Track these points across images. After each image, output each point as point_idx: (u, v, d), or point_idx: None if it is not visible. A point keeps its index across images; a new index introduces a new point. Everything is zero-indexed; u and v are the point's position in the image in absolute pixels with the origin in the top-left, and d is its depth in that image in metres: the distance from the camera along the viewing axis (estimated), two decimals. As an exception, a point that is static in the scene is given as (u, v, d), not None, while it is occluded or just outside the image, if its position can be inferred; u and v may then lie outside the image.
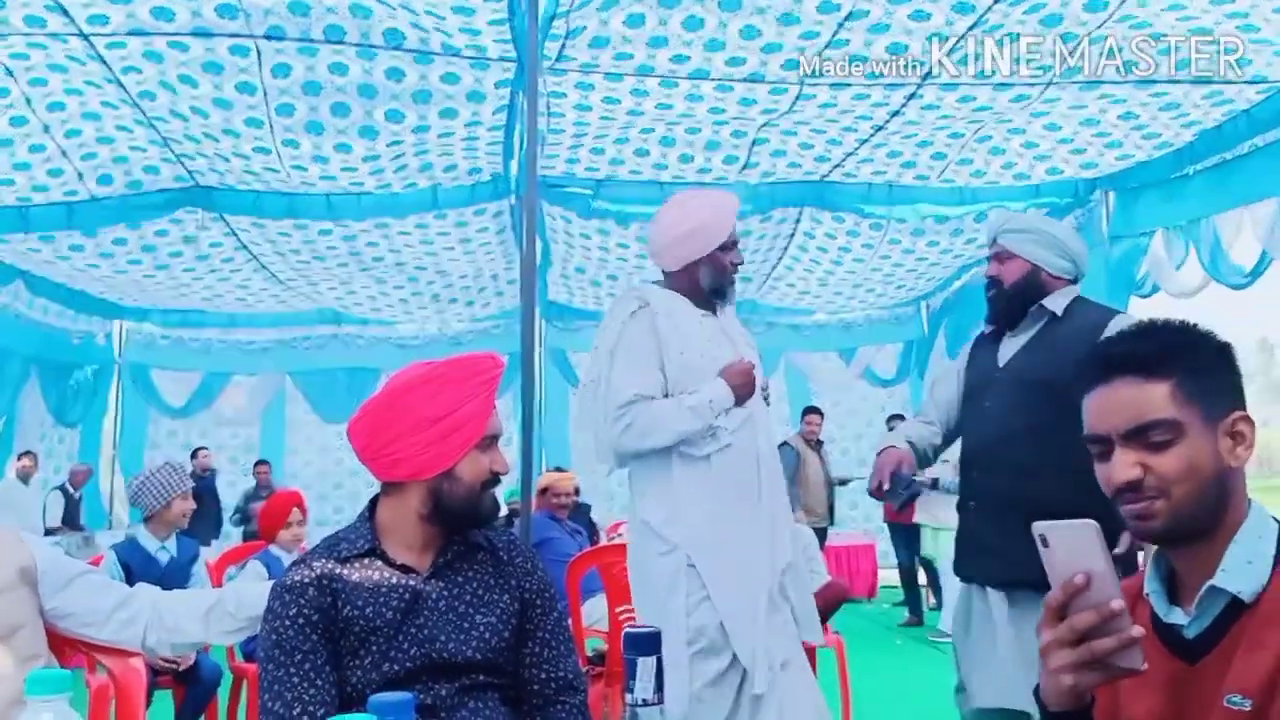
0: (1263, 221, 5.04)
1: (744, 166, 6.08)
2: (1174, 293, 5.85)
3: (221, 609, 2.11)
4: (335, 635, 1.59)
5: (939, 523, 7.21)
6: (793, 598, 2.63)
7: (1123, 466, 1.22)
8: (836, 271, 8.03)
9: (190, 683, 3.91)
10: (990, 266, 2.65)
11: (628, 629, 0.92)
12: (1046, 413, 2.35)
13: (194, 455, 9.32)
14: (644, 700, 0.88)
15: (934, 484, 7.24)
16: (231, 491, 9.57)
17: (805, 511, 7.27)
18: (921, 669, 6.26)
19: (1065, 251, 2.58)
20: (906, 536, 7.79)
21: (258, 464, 9.60)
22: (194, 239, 6.66)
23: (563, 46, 4.56)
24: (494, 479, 1.70)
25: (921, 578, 8.04)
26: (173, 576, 3.88)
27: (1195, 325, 1.31)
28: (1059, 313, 2.55)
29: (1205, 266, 5.46)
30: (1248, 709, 1.13)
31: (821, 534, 6.98)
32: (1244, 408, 1.25)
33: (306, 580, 1.61)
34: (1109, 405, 1.25)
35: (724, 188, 6.38)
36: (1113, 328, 2.29)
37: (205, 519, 8.37)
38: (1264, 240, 5.04)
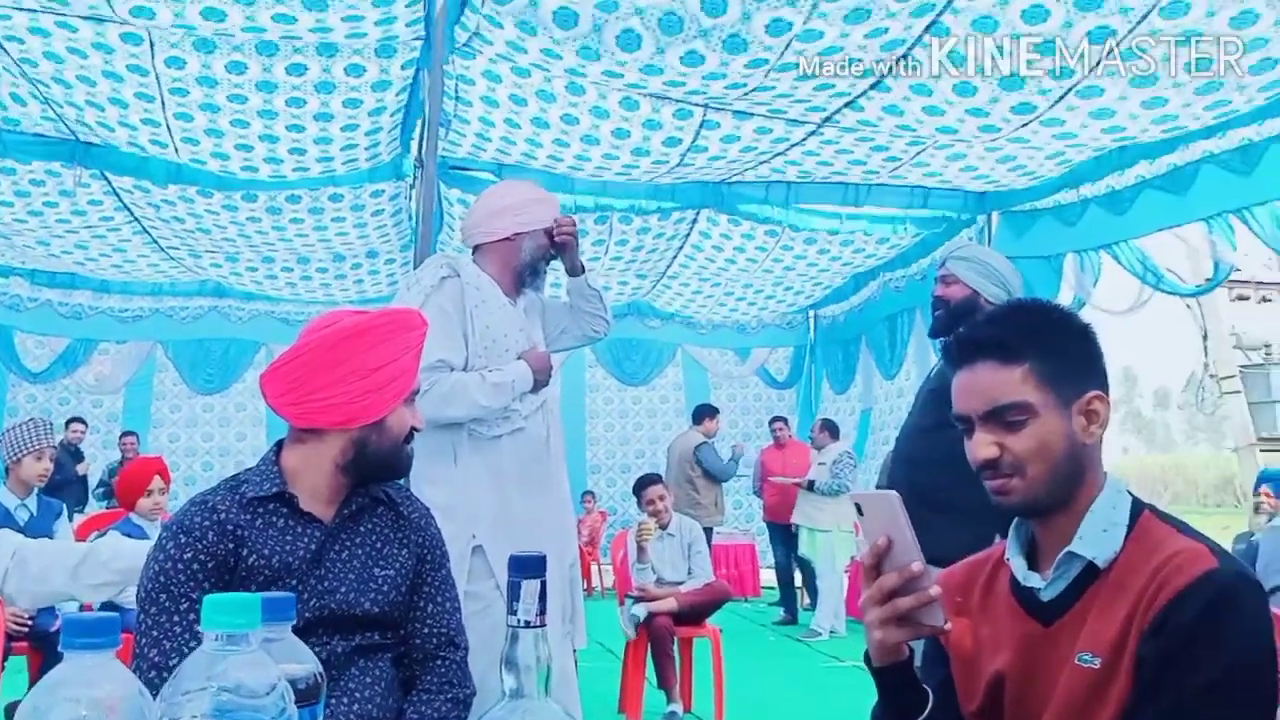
0: (1200, 242, 5.31)
1: (646, 173, 6.13)
2: (1111, 309, 6.12)
3: (94, 559, 2.00)
4: (233, 583, 1.55)
5: (815, 524, 7.39)
6: (573, 605, 2.64)
7: (981, 446, 1.30)
8: (729, 270, 8.17)
9: (47, 648, 3.70)
10: (938, 288, 3.00)
11: (513, 553, 0.92)
12: (940, 411, 2.58)
13: (68, 425, 8.90)
14: (527, 622, 0.89)
15: (810, 486, 7.43)
16: (93, 463, 9.15)
17: (696, 508, 7.36)
18: (791, 664, 6.42)
19: (1001, 281, 2.93)
20: (784, 537, 7.95)
21: (123, 435, 9.21)
22: (71, 194, 6.35)
23: (475, 31, 4.51)
24: (412, 434, 1.71)
25: (798, 578, 8.21)
26: (33, 535, 3.70)
27: (1056, 307, 1.39)
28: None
29: (1147, 282, 5.68)
30: (1096, 666, 1.22)
31: (708, 532, 7.07)
32: (1102, 386, 1.33)
33: (208, 524, 1.56)
34: (970, 387, 1.33)
35: (628, 182, 6.45)
36: None
37: (71, 491, 8.00)
38: (1210, 254, 5.29)
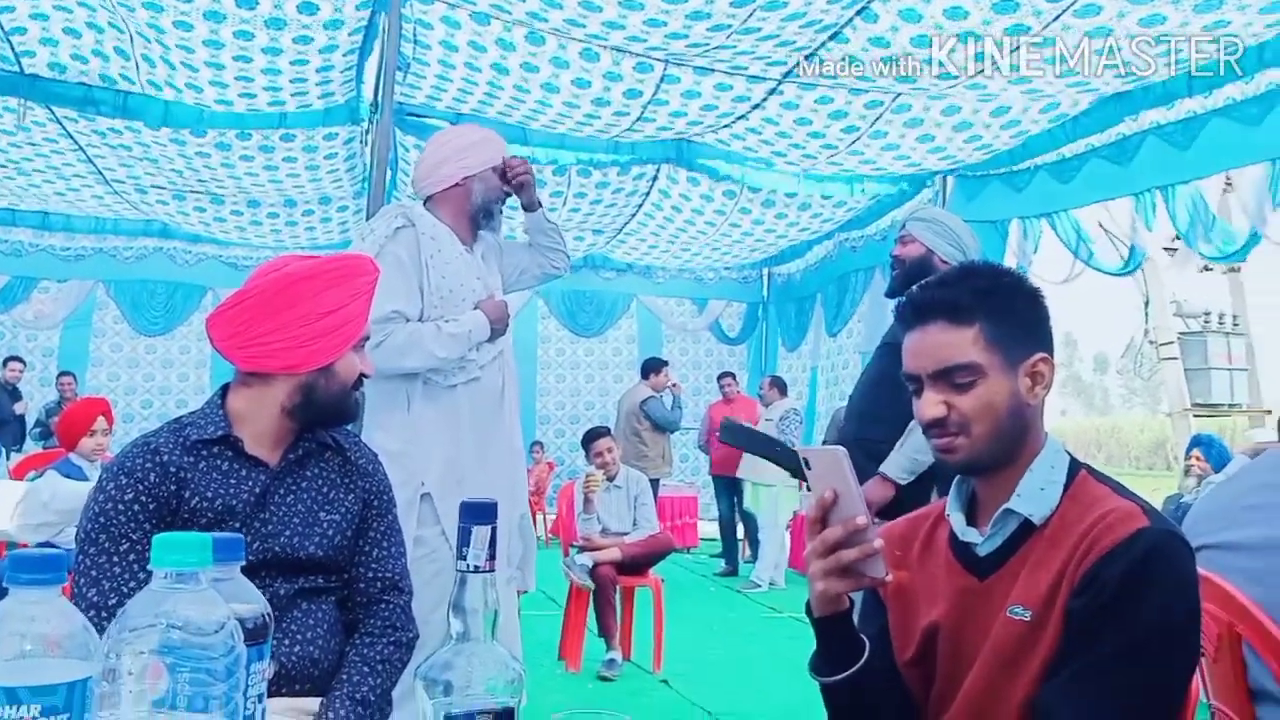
0: (1124, 219, 5.44)
1: (607, 124, 6.06)
2: (1048, 279, 6.20)
3: (34, 498, 1.98)
4: (175, 525, 1.54)
5: (760, 479, 7.47)
6: (521, 546, 2.68)
7: (929, 405, 1.33)
8: (688, 230, 8.17)
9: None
10: (896, 247, 3.08)
11: (464, 500, 0.93)
12: (888, 367, 2.66)
13: (6, 364, 8.68)
14: (476, 567, 0.90)
15: (759, 442, 7.50)
16: (30, 402, 8.96)
17: (644, 460, 7.40)
18: (730, 614, 6.53)
19: (957, 241, 3.00)
20: (728, 491, 8.04)
21: (61, 375, 9.01)
22: (27, 129, 6.15)
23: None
24: (361, 380, 1.71)
25: (740, 531, 8.32)
26: (-34, 476, 3.63)
27: (1008, 271, 1.42)
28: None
29: (1079, 256, 5.82)
30: (1027, 619, 1.26)
31: (655, 484, 7.13)
32: (1048, 349, 1.37)
33: (150, 465, 1.55)
34: (920, 348, 1.35)
35: (585, 140, 6.39)
36: None
37: (8, 430, 7.83)
38: (1128, 236, 5.44)
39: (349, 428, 1.80)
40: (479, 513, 0.92)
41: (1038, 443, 1.34)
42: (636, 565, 4.94)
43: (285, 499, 1.63)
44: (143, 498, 1.52)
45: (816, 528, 1.26)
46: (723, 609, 6.73)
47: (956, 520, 1.38)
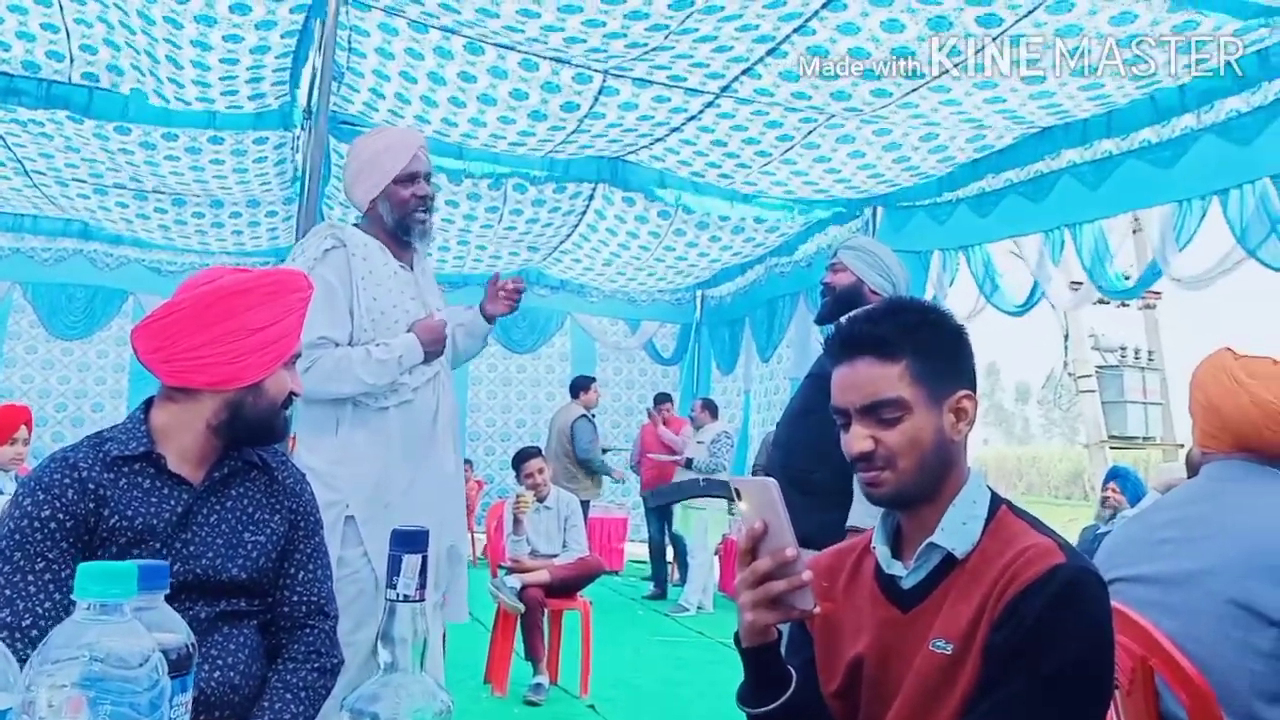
0: (1031, 255, 5.57)
1: (542, 140, 6.07)
2: (954, 314, 6.31)
3: None
4: (93, 544, 1.50)
5: (690, 502, 7.51)
6: (449, 573, 2.63)
7: (857, 439, 1.36)
8: (623, 255, 8.20)
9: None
10: (827, 275, 3.10)
11: (395, 527, 0.93)
12: (813, 398, 2.70)
13: None
14: (405, 596, 0.90)
15: (689, 464, 7.55)
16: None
17: (574, 481, 7.39)
18: (657, 638, 6.53)
19: (886, 272, 3.04)
20: (659, 512, 8.06)
21: (-28, 379, 8.70)
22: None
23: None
24: (290, 399, 1.69)
25: (670, 554, 8.33)
26: None
27: (934, 308, 1.46)
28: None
29: (983, 292, 5.95)
30: (949, 652, 1.29)
31: (585, 505, 7.11)
32: (971, 386, 1.41)
33: (68, 481, 1.50)
34: (849, 382, 1.38)
35: (521, 158, 6.38)
36: None
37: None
38: (1034, 272, 5.56)
39: (276, 446, 1.77)
40: (410, 541, 0.92)
41: (961, 478, 1.38)
42: (565, 588, 4.91)
43: (208, 519, 1.59)
44: (60, 515, 1.47)
45: (747, 559, 1.28)
46: (651, 633, 6.73)
47: (882, 553, 1.40)
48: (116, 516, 1.50)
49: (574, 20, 4.38)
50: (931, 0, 4.04)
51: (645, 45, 4.60)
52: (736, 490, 1.31)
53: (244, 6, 4.68)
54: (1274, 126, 4.17)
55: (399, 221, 2.55)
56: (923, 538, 1.35)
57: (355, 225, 2.62)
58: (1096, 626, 1.25)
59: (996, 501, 1.38)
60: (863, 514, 2.70)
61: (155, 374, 1.61)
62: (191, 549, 1.55)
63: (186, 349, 1.56)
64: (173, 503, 1.56)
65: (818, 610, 1.27)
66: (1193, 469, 3.03)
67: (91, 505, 1.50)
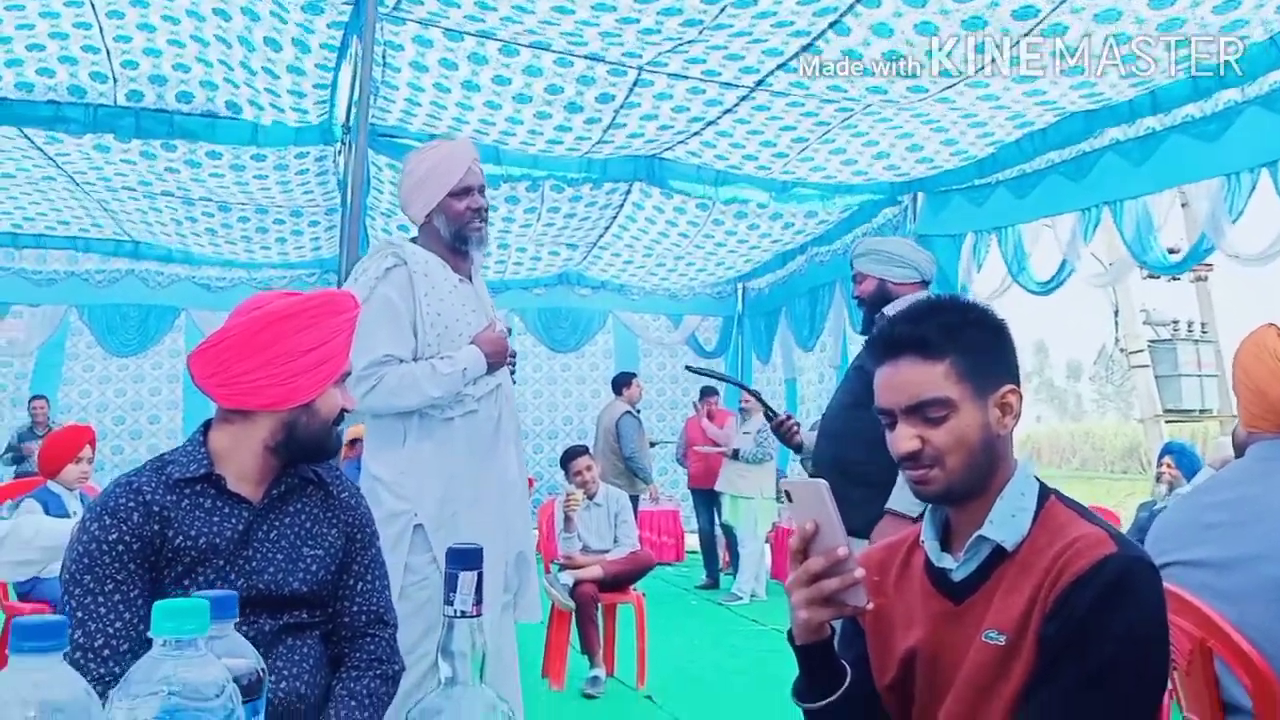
0: (1064, 233, 5.50)
1: (579, 137, 6.09)
2: (980, 293, 6.29)
3: (16, 537, 1.96)
4: (159, 564, 1.55)
5: (738, 491, 7.52)
6: (519, 582, 2.66)
7: (903, 439, 1.36)
8: (662, 243, 8.20)
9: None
10: (854, 288, 3.14)
11: (451, 545, 0.96)
12: (861, 390, 2.70)
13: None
14: (463, 612, 0.92)
15: (735, 454, 7.55)
16: (-1, 423, 8.89)
17: (622, 476, 7.42)
18: (712, 628, 6.55)
19: (905, 262, 3.03)
20: (707, 504, 8.07)
21: (33, 399, 8.90)
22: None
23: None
24: (342, 415, 1.73)
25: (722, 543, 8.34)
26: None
27: (974, 305, 1.46)
28: (889, 315, 2.93)
29: (1010, 271, 5.91)
30: (1001, 643, 1.30)
31: (635, 500, 7.14)
32: (1015, 380, 1.41)
33: (133, 505, 1.55)
34: (893, 383, 1.39)
35: (558, 159, 6.41)
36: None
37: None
38: (1064, 250, 5.50)
39: (331, 462, 1.81)
40: (465, 558, 0.94)
41: (1008, 471, 1.38)
42: (618, 582, 4.95)
43: (269, 536, 1.64)
44: (126, 538, 1.52)
45: (799, 558, 1.29)
46: (705, 623, 6.75)
47: (931, 547, 1.41)
48: (181, 537, 1.56)
49: (608, 18, 4.38)
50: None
51: (679, 39, 4.61)
52: (787, 492, 1.33)
53: (280, 19, 4.75)
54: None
55: (456, 233, 2.60)
56: (972, 530, 1.36)
57: (412, 240, 2.66)
58: (1150, 616, 1.25)
59: (1045, 492, 1.38)
60: (902, 498, 2.70)
61: (212, 397, 1.66)
62: (254, 565, 1.60)
63: (240, 373, 1.61)
64: (234, 521, 1.61)
65: (870, 606, 1.28)
66: (1239, 448, 2.98)
67: (156, 527, 1.55)
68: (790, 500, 1.31)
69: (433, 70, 5.20)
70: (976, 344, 1.38)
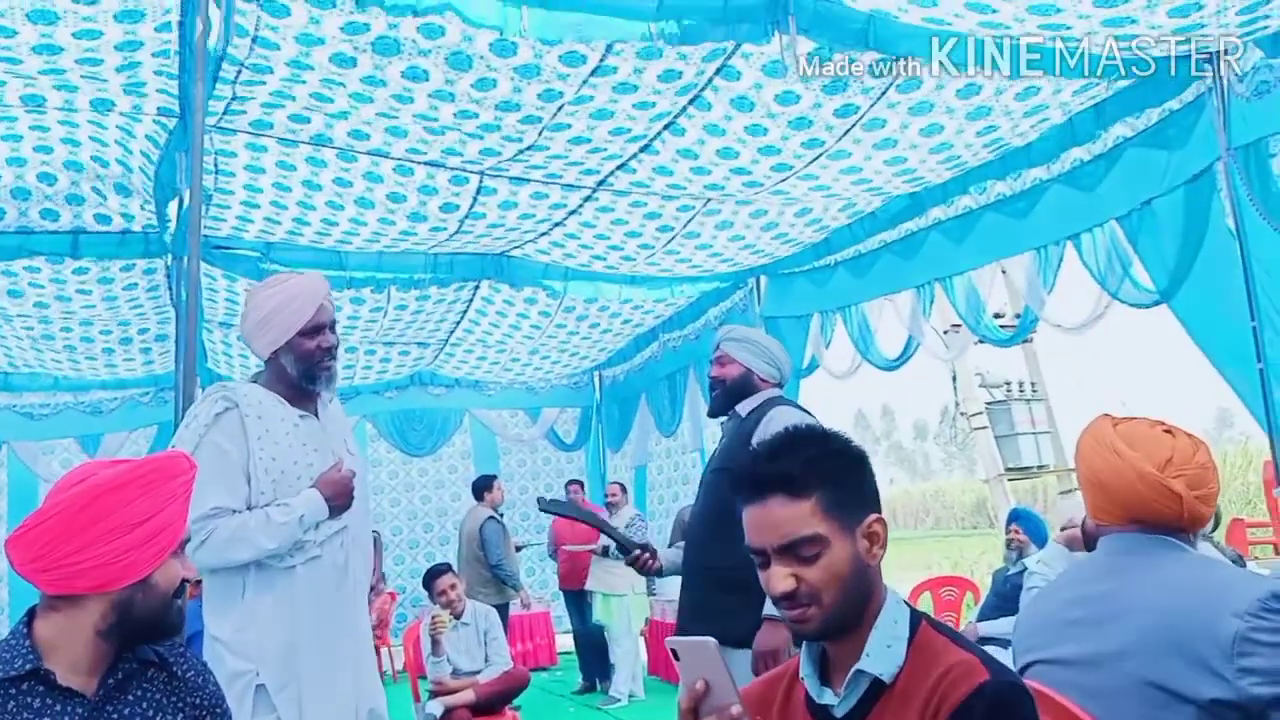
0: (905, 310, 5.75)
1: (423, 239, 6.04)
2: (833, 372, 6.48)
3: None
4: None
5: (610, 589, 7.40)
6: None
7: (778, 578, 1.36)
8: (515, 335, 8.17)
9: None
10: (714, 369, 3.12)
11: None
12: (723, 497, 2.69)
13: None
14: None
15: (604, 552, 7.43)
16: None
17: (489, 586, 7.16)
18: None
19: (773, 360, 3.08)
20: (578, 604, 7.91)
21: None
22: None
23: (229, 103, 4.32)
24: (183, 586, 1.59)
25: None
26: None
27: (832, 435, 1.47)
28: (744, 414, 3.02)
29: (859, 349, 6.15)
30: (888, 776, 1.27)
31: (504, 609, 6.91)
32: (878, 508, 1.43)
33: None
34: (763, 522, 1.39)
35: (403, 255, 6.33)
36: (761, 427, 2.78)
37: None
38: (908, 327, 5.76)
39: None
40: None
41: (880, 600, 1.39)
42: (491, 705, 4.77)
43: None
44: None
45: (689, 718, 1.28)
46: (583, 729, 6.56)
47: (811, 684, 1.40)
48: None
49: (447, 109, 4.36)
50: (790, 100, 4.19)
51: (520, 140, 4.64)
52: (675, 651, 1.30)
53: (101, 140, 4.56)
54: (1113, 174, 4.43)
55: (304, 372, 2.50)
56: (850, 663, 1.36)
57: (252, 379, 2.54)
58: None
59: (916, 618, 1.39)
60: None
61: (35, 584, 1.50)
62: None
63: (65, 555, 1.47)
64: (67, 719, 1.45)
65: None
66: (1090, 540, 3.10)
67: None
68: (678, 659, 1.28)
69: (270, 173, 5.07)
70: (839, 477, 1.39)
